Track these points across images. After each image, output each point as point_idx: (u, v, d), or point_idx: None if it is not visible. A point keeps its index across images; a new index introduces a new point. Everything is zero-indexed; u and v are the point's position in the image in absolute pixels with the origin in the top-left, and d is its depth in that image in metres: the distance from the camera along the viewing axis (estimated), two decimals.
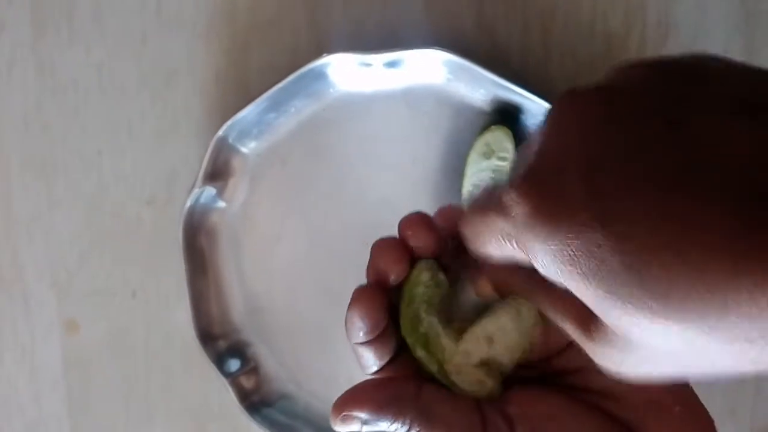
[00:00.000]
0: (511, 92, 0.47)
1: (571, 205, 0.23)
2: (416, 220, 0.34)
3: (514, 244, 0.26)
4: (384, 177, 0.50)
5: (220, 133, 0.48)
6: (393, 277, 0.34)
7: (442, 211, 0.34)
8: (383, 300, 0.34)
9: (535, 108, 0.47)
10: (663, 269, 0.21)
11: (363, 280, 0.50)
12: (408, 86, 0.49)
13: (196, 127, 0.52)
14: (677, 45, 0.49)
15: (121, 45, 0.52)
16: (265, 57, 0.51)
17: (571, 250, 0.23)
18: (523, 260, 0.27)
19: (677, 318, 0.22)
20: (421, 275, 0.33)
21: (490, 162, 0.48)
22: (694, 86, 0.24)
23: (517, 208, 0.25)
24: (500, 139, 0.48)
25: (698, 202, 0.21)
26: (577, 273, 0.23)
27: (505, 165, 0.48)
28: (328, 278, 0.51)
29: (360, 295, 0.34)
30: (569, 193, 0.23)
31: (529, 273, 0.27)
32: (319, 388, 0.52)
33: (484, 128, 0.48)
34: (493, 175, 0.48)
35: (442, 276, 0.33)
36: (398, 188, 0.50)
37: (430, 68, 0.48)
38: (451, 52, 0.46)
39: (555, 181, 0.24)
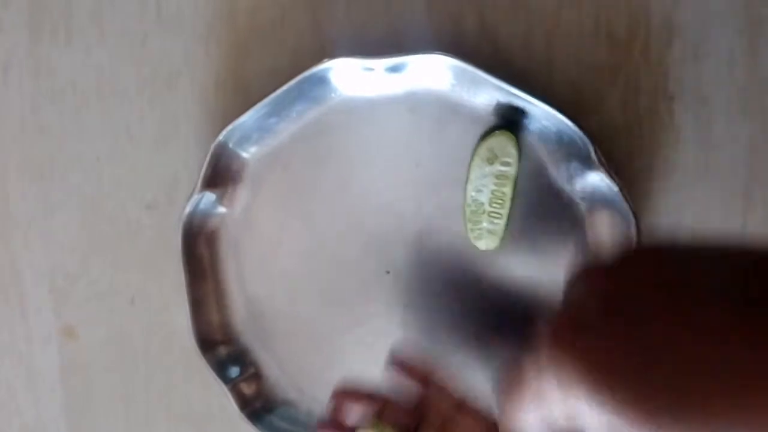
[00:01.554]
0: (514, 97, 0.46)
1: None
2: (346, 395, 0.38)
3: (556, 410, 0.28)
4: (386, 182, 0.50)
5: (221, 138, 0.48)
6: None
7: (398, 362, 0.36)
8: None
9: (538, 112, 0.47)
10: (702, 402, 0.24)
11: (364, 284, 0.50)
12: (410, 91, 0.49)
13: (196, 132, 0.52)
14: (681, 50, 0.48)
15: (120, 48, 0.52)
16: (266, 61, 0.51)
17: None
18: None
19: None
20: None
21: (494, 167, 0.48)
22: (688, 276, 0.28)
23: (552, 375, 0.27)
24: (503, 144, 0.47)
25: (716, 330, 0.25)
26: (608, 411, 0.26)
27: (509, 170, 0.48)
28: (330, 284, 0.51)
29: None
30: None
31: None
32: (320, 394, 0.52)
33: (488, 133, 0.48)
34: (497, 180, 0.48)
35: None
36: (401, 193, 0.50)
37: (432, 73, 0.47)
38: (453, 57, 0.46)
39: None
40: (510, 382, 0.31)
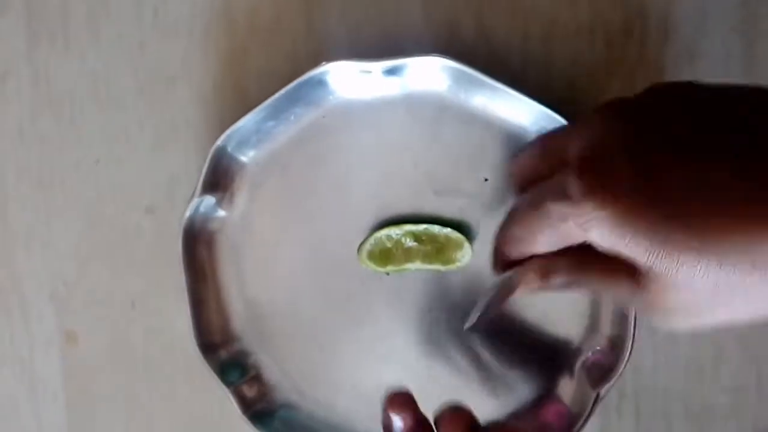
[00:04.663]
0: (511, 98, 0.47)
1: (624, 181, 0.30)
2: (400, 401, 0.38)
3: (571, 224, 0.32)
4: (385, 184, 0.50)
5: (219, 142, 0.48)
6: None
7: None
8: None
9: (535, 113, 0.47)
10: (699, 217, 0.29)
11: (364, 285, 0.50)
12: (408, 93, 0.49)
13: (195, 136, 0.52)
14: (677, 48, 0.49)
15: (117, 53, 0.52)
16: (263, 64, 0.51)
17: (626, 215, 0.30)
18: (576, 239, 0.33)
19: (715, 253, 0.29)
20: None
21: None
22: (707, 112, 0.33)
23: (579, 189, 0.31)
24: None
25: (714, 166, 0.29)
26: (633, 233, 0.30)
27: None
28: (330, 286, 0.51)
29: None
30: (622, 173, 0.30)
31: (576, 254, 0.34)
32: (322, 396, 0.52)
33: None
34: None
35: None
36: (399, 195, 0.50)
37: (430, 75, 0.47)
38: (450, 59, 0.46)
39: (609, 166, 0.31)
40: (533, 196, 0.36)
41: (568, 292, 0.37)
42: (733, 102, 0.32)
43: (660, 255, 0.30)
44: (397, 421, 0.37)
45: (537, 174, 0.38)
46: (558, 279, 0.36)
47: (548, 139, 0.40)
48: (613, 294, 0.34)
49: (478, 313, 0.42)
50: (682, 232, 0.29)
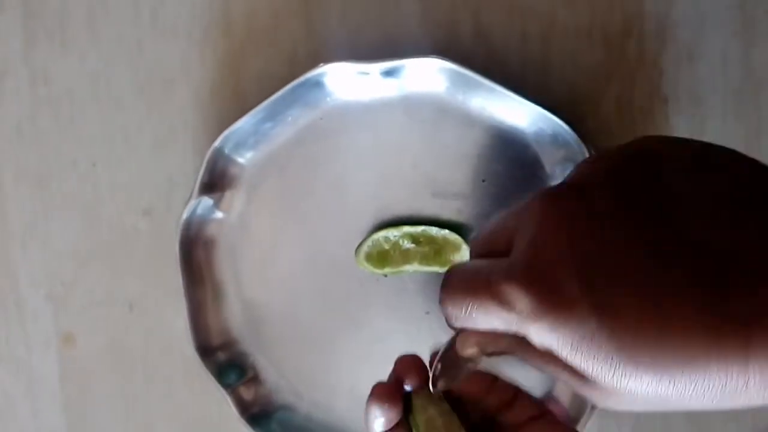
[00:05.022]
0: (509, 99, 0.47)
1: (569, 300, 0.28)
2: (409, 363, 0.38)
3: (512, 328, 0.30)
4: (383, 185, 0.50)
5: (217, 143, 0.48)
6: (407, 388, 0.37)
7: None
8: (398, 399, 0.37)
9: (533, 115, 0.47)
10: (651, 351, 0.27)
11: (361, 287, 0.50)
12: (406, 94, 0.49)
13: (193, 137, 0.52)
14: (675, 52, 0.49)
15: (115, 54, 0.52)
16: (261, 66, 0.51)
17: (571, 339, 0.28)
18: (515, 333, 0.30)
19: (662, 380, 0.27)
20: (428, 409, 0.36)
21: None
22: (658, 179, 0.30)
23: (521, 303, 0.29)
24: None
25: (677, 298, 0.27)
26: (576, 353, 0.28)
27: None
28: (327, 287, 0.51)
29: (379, 390, 0.37)
30: (566, 288, 0.28)
31: (519, 340, 0.30)
32: (319, 398, 0.52)
33: None
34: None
35: (445, 405, 0.36)
36: (397, 196, 0.50)
37: (427, 76, 0.47)
38: (448, 60, 0.46)
39: (552, 278, 0.28)
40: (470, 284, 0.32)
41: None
42: (696, 200, 0.29)
43: (609, 377, 0.28)
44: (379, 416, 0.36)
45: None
46: (497, 352, 0.34)
47: (488, 232, 0.35)
48: (555, 375, 0.31)
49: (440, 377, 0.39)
50: (633, 366, 0.27)
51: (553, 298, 0.28)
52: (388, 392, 0.37)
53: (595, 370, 0.28)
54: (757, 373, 0.26)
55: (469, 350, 0.34)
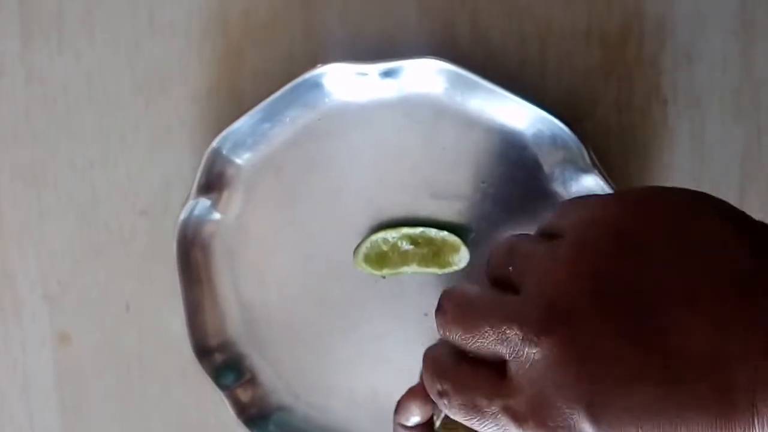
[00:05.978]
0: (508, 100, 0.46)
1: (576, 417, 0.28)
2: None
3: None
4: (381, 187, 0.50)
5: (214, 144, 0.48)
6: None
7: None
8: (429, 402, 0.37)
9: (532, 116, 0.47)
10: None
11: (359, 289, 0.50)
12: (404, 95, 0.49)
13: (190, 137, 0.52)
14: (674, 52, 0.48)
15: (112, 53, 0.52)
16: (259, 66, 0.51)
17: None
18: None
19: None
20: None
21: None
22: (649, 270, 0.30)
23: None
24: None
25: (685, 412, 0.27)
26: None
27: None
28: (325, 289, 0.51)
29: (413, 391, 0.38)
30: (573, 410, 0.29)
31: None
32: (317, 399, 0.52)
33: None
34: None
35: None
36: (396, 198, 0.50)
37: (426, 77, 0.47)
38: (447, 61, 0.46)
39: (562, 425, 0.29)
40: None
41: None
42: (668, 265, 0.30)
43: None
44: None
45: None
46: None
47: (490, 272, 0.35)
48: None
49: None
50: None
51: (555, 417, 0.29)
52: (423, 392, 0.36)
53: None
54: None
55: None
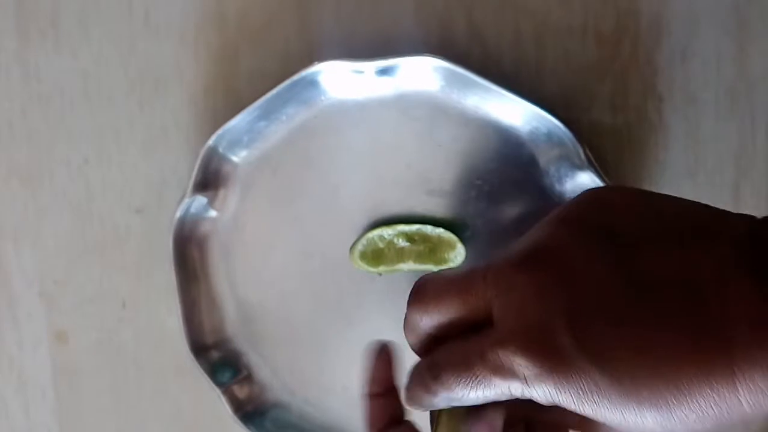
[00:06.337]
0: (504, 98, 0.47)
1: (569, 358, 0.30)
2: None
3: (515, 394, 0.32)
4: (377, 184, 0.50)
5: (210, 142, 0.48)
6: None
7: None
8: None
9: (527, 114, 0.47)
10: (649, 388, 0.29)
11: (355, 286, 0.50)
12: (400, 93, 0.49)
13: (186, 135, 0.52)
14: (669, 50, 0.49)
15: (107, 52, 0.52)
16: (255, 64, 0.51)
17: (577, 392, 0.30)
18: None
19: (663, 413, 0.29)
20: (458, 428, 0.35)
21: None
22: (616, 226, 0.32)
23: (524, 369, 0.30)
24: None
25: (661, 333, 0.30)
26: (583, 404, 0.30)
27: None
28: (321, 286, 0.51)
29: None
30: (564, 347, 0.30)
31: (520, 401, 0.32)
32: (313, 396, 0.52)
33: None
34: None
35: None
36: (392, 195, 0.50)
37: (422, 75, 0.47)
38: (443, 59, 0.46)
39: (549, 339, 0.30)
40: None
41: None
42: (664, 235, 0.32)
43: (616, 418, 0.30)
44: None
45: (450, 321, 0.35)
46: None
47: (463, 284, 0.35)
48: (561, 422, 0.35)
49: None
50: (638, 399, 0.29)
51: (555, 360, 0.30)
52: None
53: (601, 414, 0.30)
54: (746, 389, 0.28)
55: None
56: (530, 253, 0.33)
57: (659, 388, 0.29)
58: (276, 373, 0.52)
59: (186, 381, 0.53)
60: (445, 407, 0.34)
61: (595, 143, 0.48)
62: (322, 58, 0.47)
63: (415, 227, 0.49)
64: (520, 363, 0.30)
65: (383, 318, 0.51)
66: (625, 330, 0.30)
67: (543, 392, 0.30)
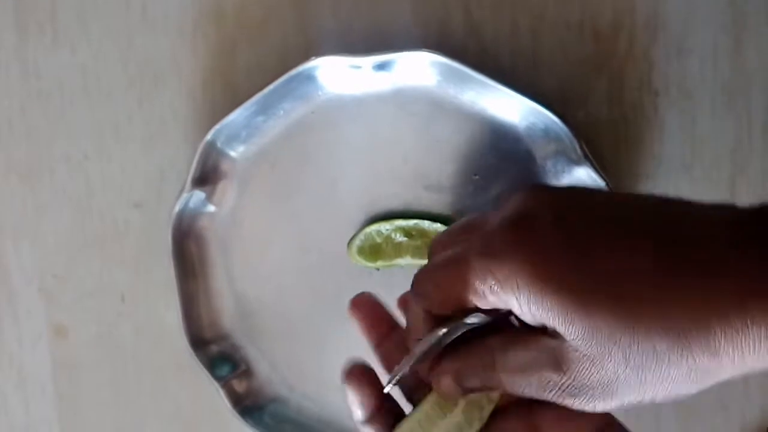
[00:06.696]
0: (501, 93, 0.47)
1: (551, 243, 0.29)
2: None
3: (495, 297, 0.30)
4: (374, 179, 0.50)
5: (209, 137, 0.48)
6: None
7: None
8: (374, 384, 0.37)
9: (524, 109, 0.47)
10: (631, 293, 0.28)
11: (353, 280, 0.50)
12: (397, 88, 0.49)
13: (184, 130, 0.52)
14: (665, 45, 0.49)
15: (106, 47, 0.52)
16: (252, 59, 0.51)
17: (552, 279, 0.29)
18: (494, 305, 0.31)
19: (647, 334, 0.28)
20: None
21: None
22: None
23: (502, 242, 0.30)
24: None
25: (640, 246, 0.29)
26: (559, 302, 0.29)
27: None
28: (319, 281, 0.51)
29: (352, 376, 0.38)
30: (548, 234, 0.30)
31: (488, 351, 0.32)
32: (311, 391, 0.52)
33: None
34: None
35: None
36: (389, 190, 0.50)
37: (419, 70, 0.47)
38: (440, 54, 0.46)
39: (533, 224, 0.30)
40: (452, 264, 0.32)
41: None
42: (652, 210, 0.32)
43: (587, 329, 0.29)
44: (358, 402, 0.36)
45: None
46: (474, 382, 0.33)
47: (463, 220, 0.36)
48: (533, 385, 0.31)
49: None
50: (613, 309, 0.28)
51: (530, 236, 0.30)
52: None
53: (572, 321, 0.29)
54: (754, 329, 0.27)
55: (444, 385, 0.34)
56: (527, 186, 0.33)
57: (664, 312, 0.28)
58: (274, 367, 0.52)
59: (185, 375, 0.53)
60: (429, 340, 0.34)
61: (591, 138, 0.48)
62: (319, 53, 0.47)
63: (412, 222, 0.49)
64: (496, 234, 0.30)
65: None
66: (619, 240, 0.30)
67: (511, 270, 0.30)
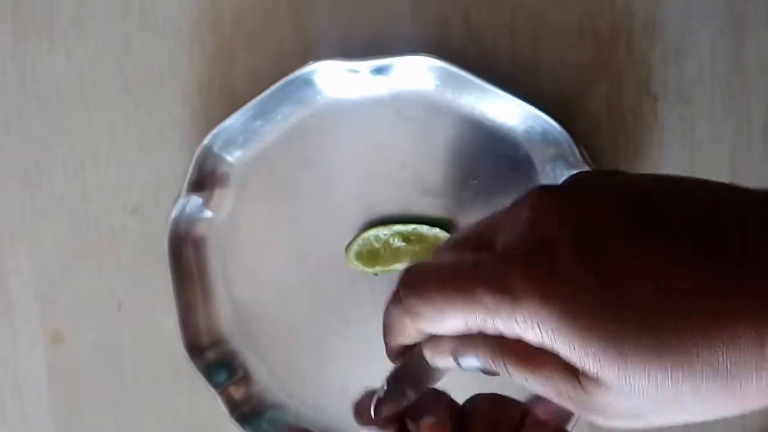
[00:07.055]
0: (499, 98, 0.47)
1: (571, 276, 0.27)
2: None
3: (499, 321, 0.28)
4: (372, 184, 0.50)
5: (206, 141, 0.48)
6: None
7: None
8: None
9: (523, 113, 0.47)
10: (655, 323, 0.26)
11: (351, 286, 0.50)
12: (396, 93, 0.49)
13: (181, 135, 0.52)
14: (664, 49, 0.49)
15: (103, 52, 0.52)
16: (250, 63, 0.51)
17: (574, 317, 0.26)
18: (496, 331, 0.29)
19: (676, 363, 0.26)
20: None
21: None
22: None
23: (522, 281, 0.27)
24: None
25: (673, 270, 0.26)
26: (582, 338, 0.26)
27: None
28: (317, 286, 0.51)
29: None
30: (568, 267, 0.27)
31: (494, 337, 0.29)
32: (310, 397, 0.52)
33: None
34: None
35: None
36: (387, 195, 0.50)
37: (417, 74, 0.47)
38: (438, 58, 0.46)
39: (552, 258, 0.27)
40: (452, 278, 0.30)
41: (487, 375, 0.32)
42: (671, 196, 0.29)
43: (611, 365, 0.26)
44: None
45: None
46: (473, 358, 0.31)
47: (471, 228, 0.34)
48: (542, 386, 0.29)
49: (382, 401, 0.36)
50: (650, 347, 0.26)
51: (549, 272, 0.27)
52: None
53: (595, 356, 0.26)
54: None
55: (441, 358, 0.32)
56: (537, 192, 0.31)
57: (691, 338, 0.26)
58: (273, 373, 0.52)
59: (182, 382, 0.53)
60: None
61: (590, 142, 0.48)
62: (317, 57, 0.47)
63: (411, 227, 0.49)
64: (514, 271, 0.28)
65: (380, 318, 0.50)
66: (645, 265, 0.27)
67: (529, 311, 0.27)
